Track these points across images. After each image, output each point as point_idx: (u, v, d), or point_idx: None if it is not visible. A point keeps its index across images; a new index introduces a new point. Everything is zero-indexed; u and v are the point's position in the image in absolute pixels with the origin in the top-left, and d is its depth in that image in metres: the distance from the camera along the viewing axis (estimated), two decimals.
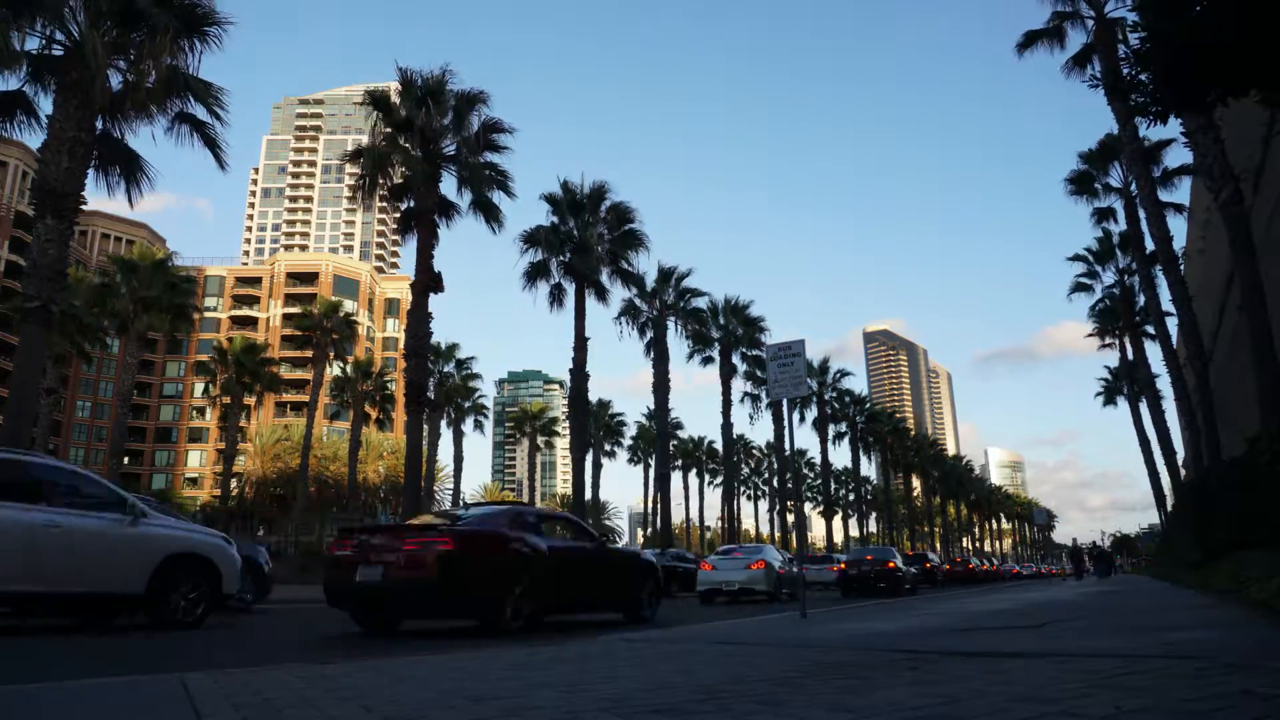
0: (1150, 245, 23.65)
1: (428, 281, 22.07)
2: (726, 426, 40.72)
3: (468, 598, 8.03)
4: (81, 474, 8.67)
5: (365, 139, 23.67)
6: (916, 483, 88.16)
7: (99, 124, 15.91)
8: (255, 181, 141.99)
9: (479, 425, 54.07)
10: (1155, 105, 8.05)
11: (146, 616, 8.41)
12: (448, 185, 24.16)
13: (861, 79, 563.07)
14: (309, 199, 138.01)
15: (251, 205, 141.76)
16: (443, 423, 50.55)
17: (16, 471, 7.75)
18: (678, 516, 77.29)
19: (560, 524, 10.78)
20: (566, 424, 43.98)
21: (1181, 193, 26.83)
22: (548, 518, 10.26)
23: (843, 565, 24.41)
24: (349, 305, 66.70)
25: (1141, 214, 23.79)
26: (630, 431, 65.21)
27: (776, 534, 61.99)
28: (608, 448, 61.28)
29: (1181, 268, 22.39)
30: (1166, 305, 25.75)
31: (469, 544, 8.09)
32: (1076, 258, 36.22)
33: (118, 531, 8.03)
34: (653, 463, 55.98)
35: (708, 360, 40.63)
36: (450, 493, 60.58)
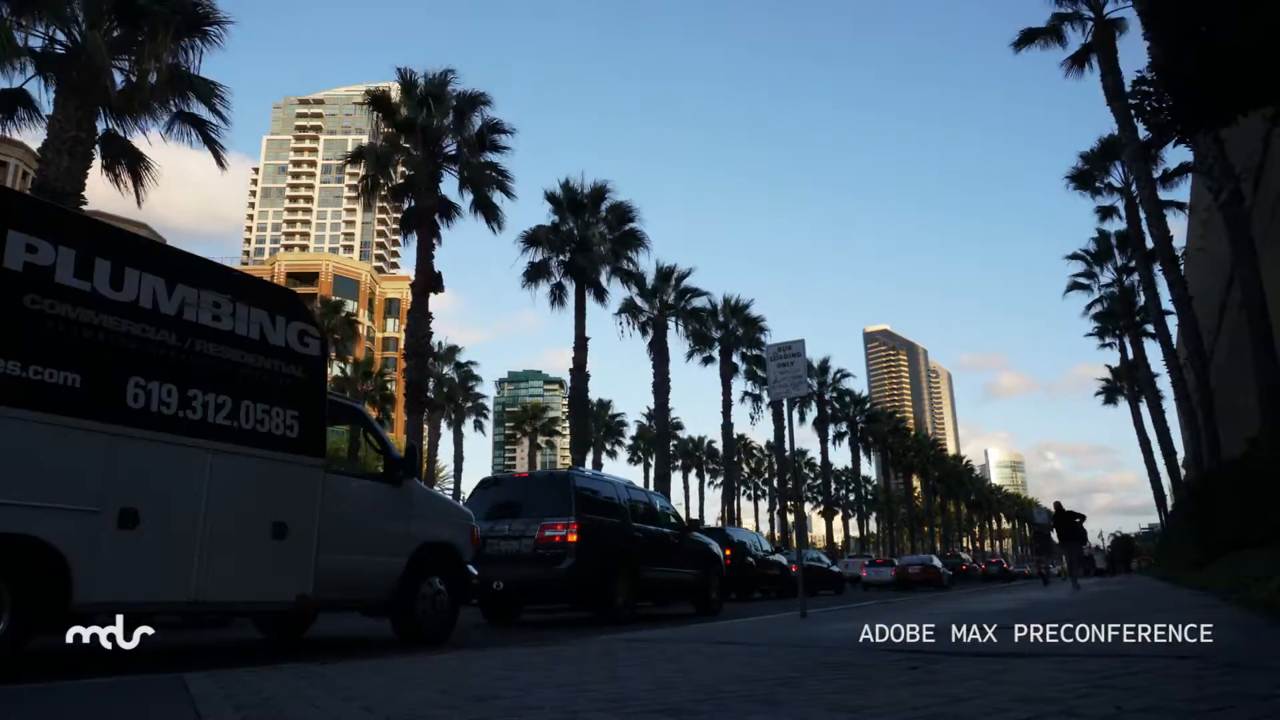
0: (1150, 244, 23.62)
1: (428, 282, 22.05)
2: (727, 426, 40.66)
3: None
4: None
5: (365, 139, 23.65)
6: (916, 482, 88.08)
7: (102, 124, 15.89)
8: (255, 181, 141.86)
9: (479, 425, 54.00)
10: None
11: None
12: (449, 185, 24.15)
13: (865, 79, 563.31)
14: (309, 199, 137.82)
15: (251, 205, 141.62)
16: (443, 423, 50.46)
17: None
18: None
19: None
20: (567, 424, 43.93)
21: (1182, 191, 26.69)
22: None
23: (895, 569, 33.42)
24: (349, 305, 66.58)
25: (1142, 213, 23.74)
26: (630, 431, 65.06)
27: (777, 534, 61.92)
28: (608, 447, 61.15)
29: (1181, 267, 22.35)
30: (1166, 304, 25.71)
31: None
32: (1075, 256, 36.13)
33: None
34: (653, 462, 55.86)
35: (708, 360, 40.47)
36: (450, 493, 60.48)
